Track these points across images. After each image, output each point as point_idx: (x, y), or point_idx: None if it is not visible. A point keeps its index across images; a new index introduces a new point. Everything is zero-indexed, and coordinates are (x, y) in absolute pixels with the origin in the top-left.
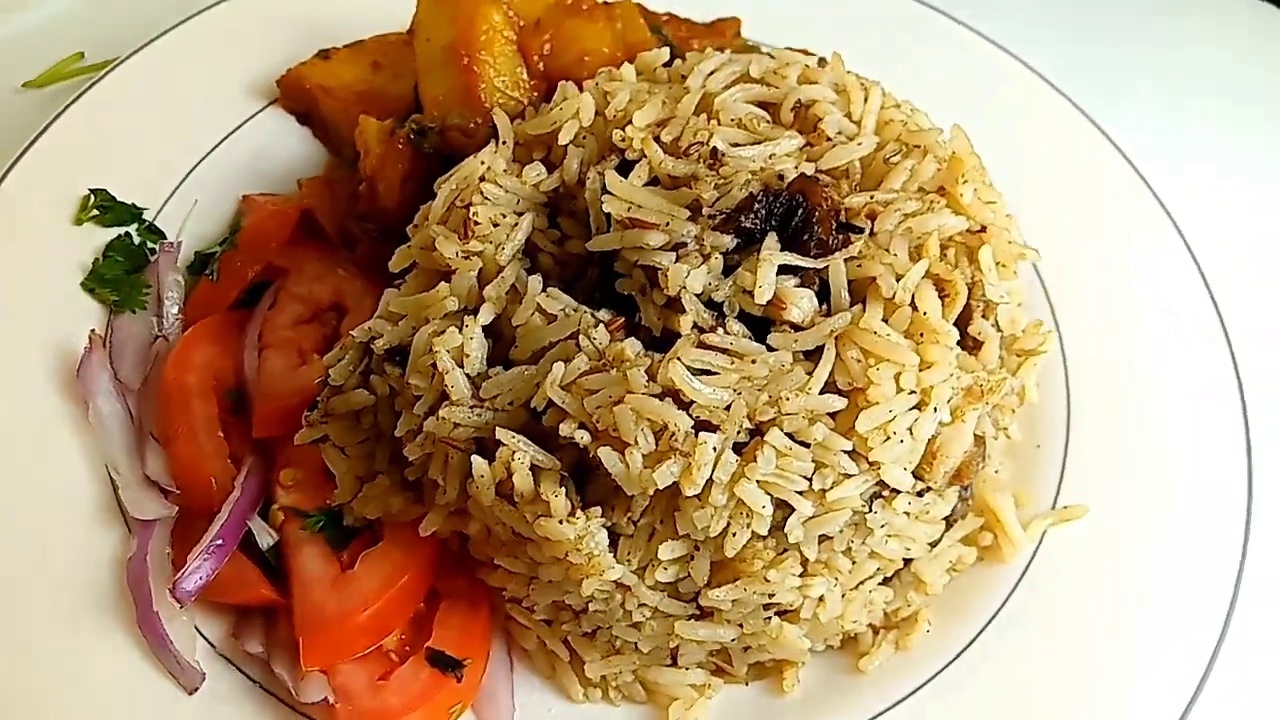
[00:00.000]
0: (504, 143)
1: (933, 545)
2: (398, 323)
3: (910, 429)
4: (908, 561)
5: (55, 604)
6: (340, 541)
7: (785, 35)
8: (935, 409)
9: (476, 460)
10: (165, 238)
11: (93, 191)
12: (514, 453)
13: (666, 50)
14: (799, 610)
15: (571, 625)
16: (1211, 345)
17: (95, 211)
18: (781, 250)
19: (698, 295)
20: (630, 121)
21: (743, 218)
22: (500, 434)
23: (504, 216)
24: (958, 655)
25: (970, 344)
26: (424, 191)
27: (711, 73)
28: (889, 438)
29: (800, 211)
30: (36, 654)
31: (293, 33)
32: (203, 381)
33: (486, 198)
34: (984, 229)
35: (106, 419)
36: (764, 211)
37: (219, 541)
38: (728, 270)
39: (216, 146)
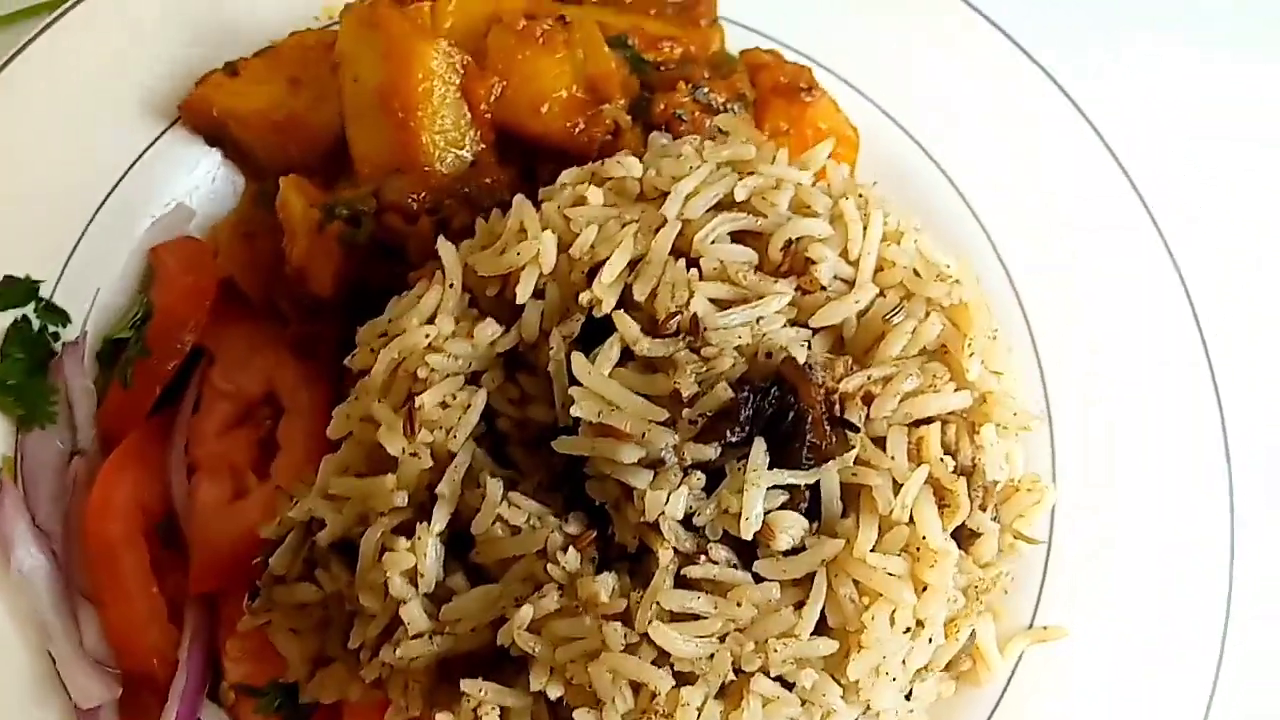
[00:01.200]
0: (451, 285)
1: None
2: (341, 508)
3: (904, 662)
4: None
5: None
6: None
7: None
8: (930, 639)
9: (440, 717)
10: (67, 318)
11: None
12: (479, 704)
13: (636, 165)
14: None
15: None
16: (1210, 463)
17: None
18: (771, 467)
19: (678, 520)
20: (599, 269)
21: (728, 430)
22: (465, 685)
23: (453, 396)
24: None
25: (966, 538)
26: (360, 281)
27: (690, 195)
28: (880, 676)
29: (791, 414)
30: None
31: (188, 29)
32: (129, 529)
33: (434, 371)
34: (985, 399)
35: (30, 574)
36: (750, 414)
37: None
38: (711, 479)
39: (118, 184)
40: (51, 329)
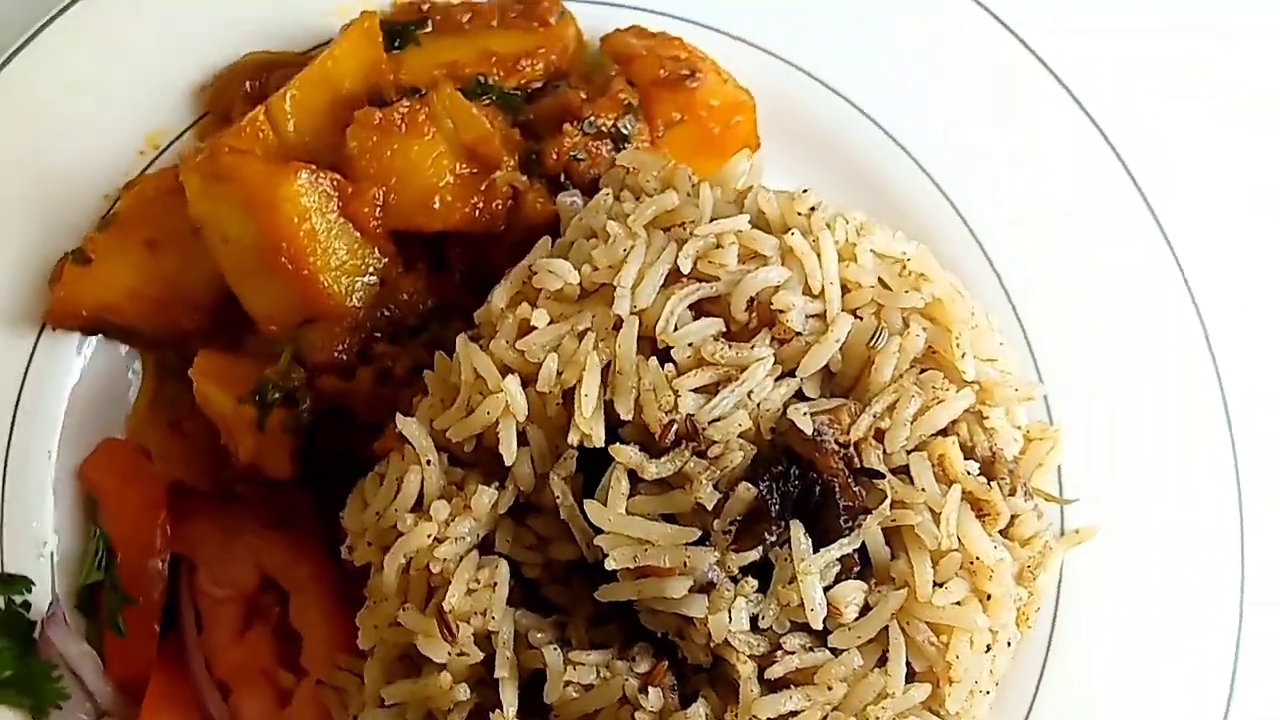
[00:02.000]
0: (428, 462)
1: None
2: (404, 713)
3: (991, 671)
4: None
5: None
6: None
7: None
8: (1008, 642)
9: None
10: (29, 582)
11: None
12: None
13: (569, 269)
14: None
15: None
16: (1215, 449)
17: None
18: (815, 550)
19: (743, 631)
20: (574, 398)
21: (765, 531)
22: None
23: (477, 581)
24: None
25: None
26: (311, 450)
27: (637, 284)
28: (976, 696)
29: (817, 490)
30: None
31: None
32: None
33: (448, 562)
34: (985, 388)
35: None
36: (777, 504)
37: None
38: (762, 582)
39: (16, 411)
40: (19, 599)
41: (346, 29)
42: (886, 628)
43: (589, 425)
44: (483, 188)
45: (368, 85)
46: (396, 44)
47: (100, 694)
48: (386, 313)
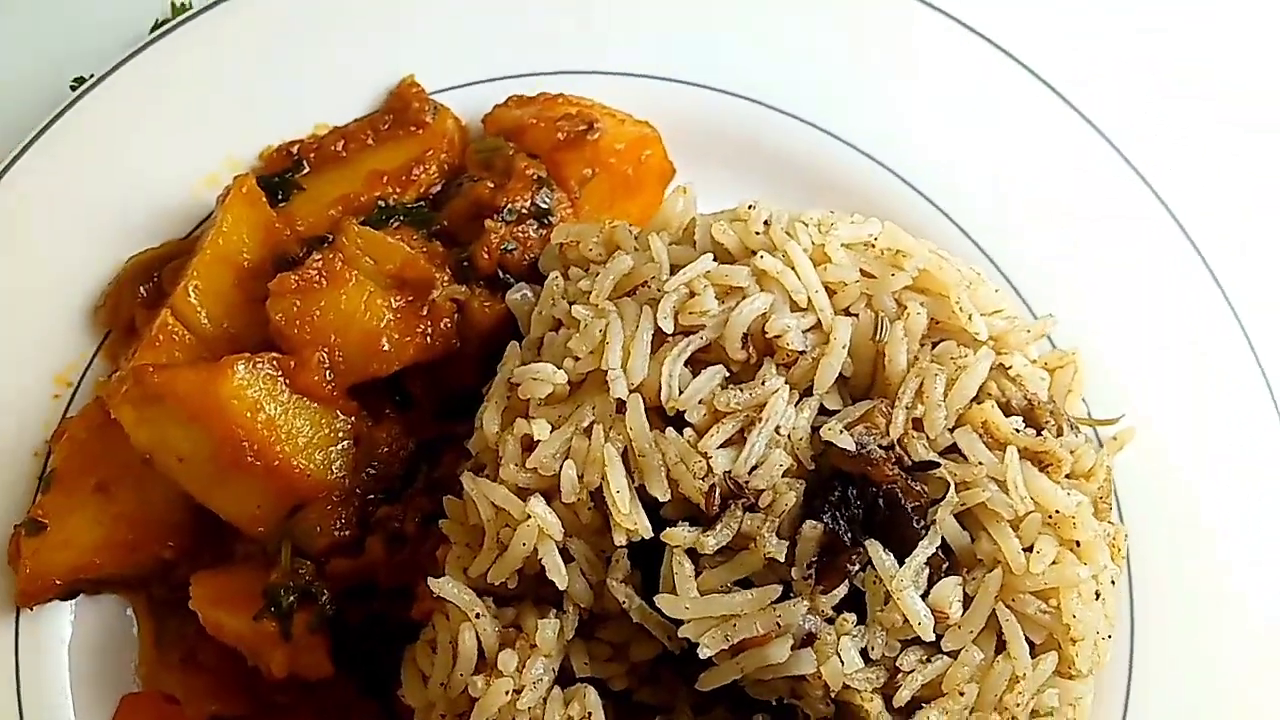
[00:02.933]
0: (477, 615)
1: None
2: None
3: (1106, 615)
4: None
5: None
6: None
7: None
8: (1111, 580)
9: None
10: None
11: None
12: None
13: (553, 370)
14: None
15: None
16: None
17: None
18: (900, 564)
19: (858, 671)
20: (604, 496)
21: (845, 562)
22: None
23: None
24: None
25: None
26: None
27: (626, 359)
28: (1100, 644)
29: (879, 499)
30: None
31: None
32: None
33: (529, 709)
34: (998, 340)
35: None
36: (845, 528)
37: None
38: (855, 599)
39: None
40: None
41: (223, 200)
42: (994, 613)
43: (631, 520)
44: (424, 312)
45: (268, 250)
46: (280, 197)
47: None
48: (372, 470)
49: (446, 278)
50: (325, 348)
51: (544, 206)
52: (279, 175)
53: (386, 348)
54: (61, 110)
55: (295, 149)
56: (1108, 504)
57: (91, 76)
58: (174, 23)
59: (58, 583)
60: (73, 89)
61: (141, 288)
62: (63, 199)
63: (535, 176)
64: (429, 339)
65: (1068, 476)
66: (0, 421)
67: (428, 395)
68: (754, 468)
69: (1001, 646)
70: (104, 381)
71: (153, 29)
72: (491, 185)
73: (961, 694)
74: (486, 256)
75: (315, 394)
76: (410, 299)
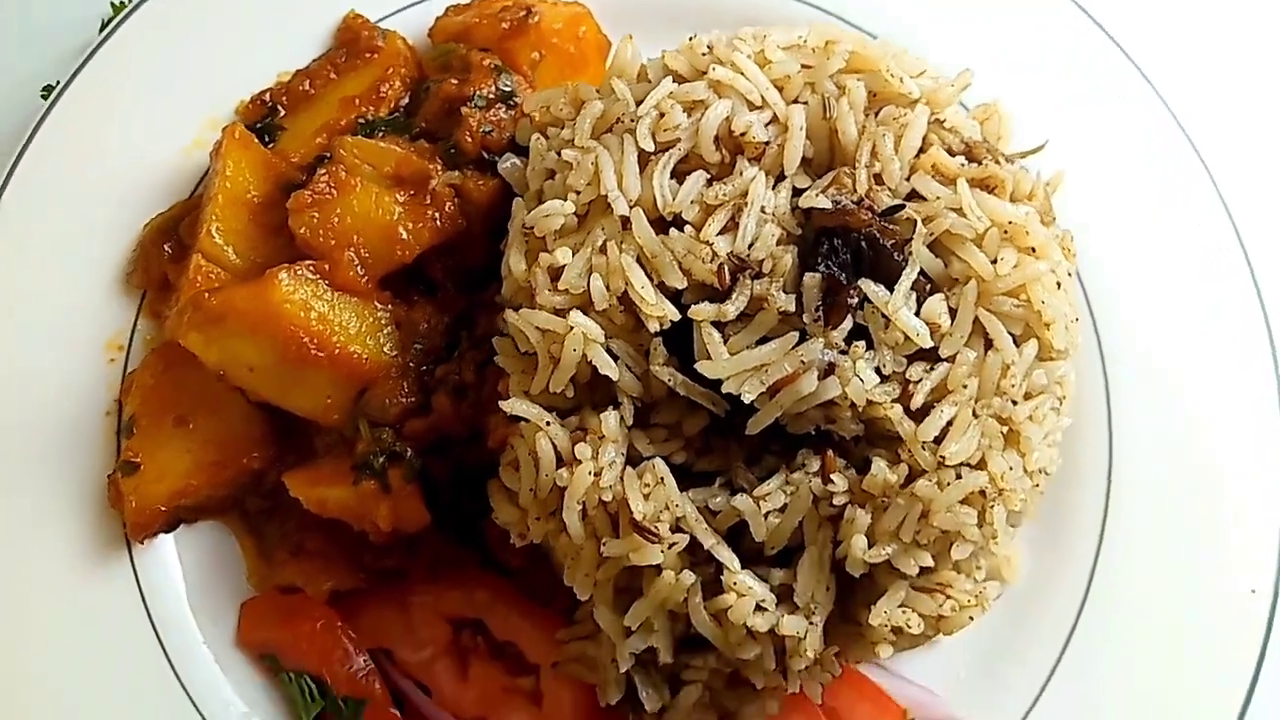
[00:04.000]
0: (547, 424)
1: None
2: (652, 627)
3: (1071, 304)
4: None
5: None
6: None
7: None
8: (1070, 273)
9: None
10: None
11: None
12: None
13: (560, 204)
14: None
15: None
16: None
17: None
18: (889, 292)
19: (877, 387)
20: (630, 296)
21: (845, 296)
22: (871, 617)
23: (647, 484)
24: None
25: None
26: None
27: (620, 182)
28: (1070, 326)
29: (862, 244)
30: None
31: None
32: None
33: (610, 486)
34: (928, 99)
35: None
36: (840, 273)
37: None
38: (868, 342)
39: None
40: None
41: (218, 151)
42: (977, 318)
43: (660, 309)
44: (428, 201)
45: (272, 183)
46: (267, 140)
47: None
48: (419, 346)
49: (439, 167)
50: (351, 247)
51: (507, 89)
52: (260, 122)
53: (404, 236)
54: (43, 115)
55: (267, 96)
56: (1051, 216)
57: (59, 83)
58: (121, 16)
59: (162, 510)
60: (44, 97)
61: (165, 246)
62: (68, 193)
63: (492, 65)
64: (438, 222)
65: (1012, 198)
66: (68, 395)
67: (449, 276)
68: (751, 244)
69: (989, 344)
70: (153, 336)
71: (101, 29)
72: (455, 81)
73: (965, 387)
74: (470, 140)
75: (353, 289)
76: (412, 193)
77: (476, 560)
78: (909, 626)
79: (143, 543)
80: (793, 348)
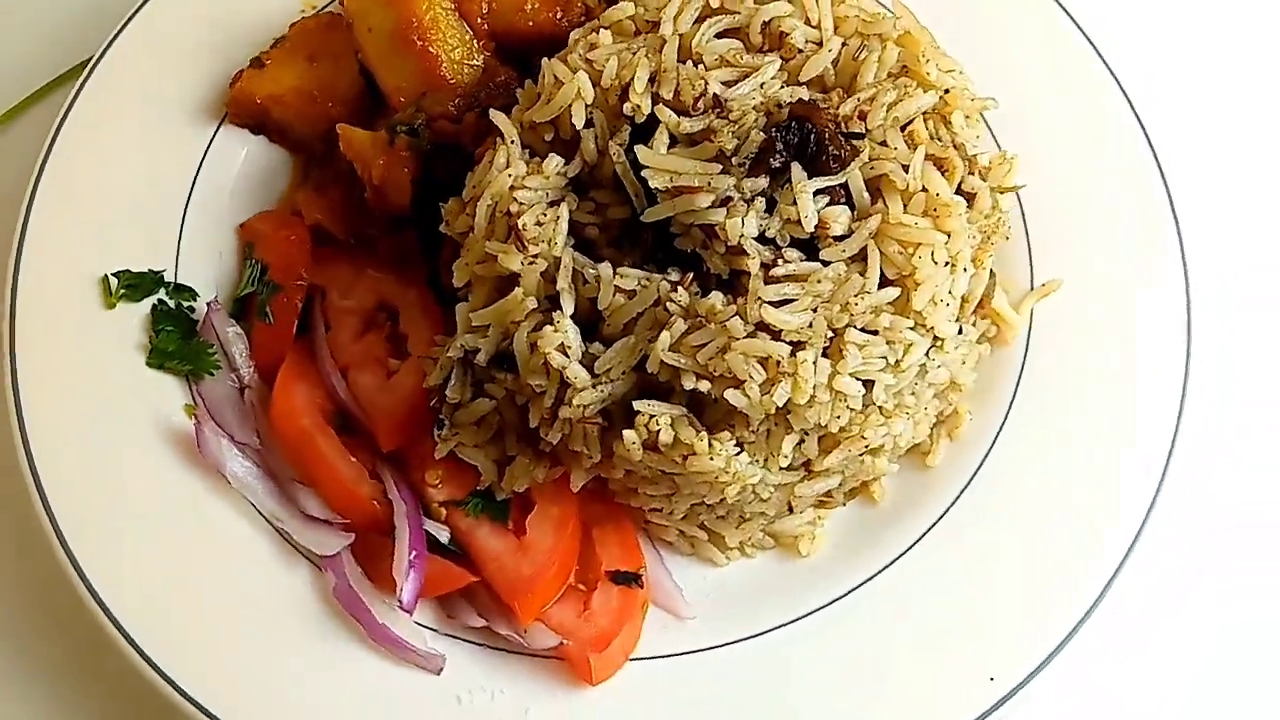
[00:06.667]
0: (512, 142)
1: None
2: (486, 333)
3: (950, 291)
4: None
5: (282, 649)
6: (501, 514)
7: None
8: (965, 269)
9: (626, 434)
10: (195, 292)
11: (111, 275)
12: (651, 417)
13: (627, 5)
14: (884, 445)
15: (706, 513)
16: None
17: (123, 291)
18: (809, 178)
19: (754, 237)
20: (629, 87)
21: (769, 159)
22: (638, 405)
23: (544, 215)
24: (1001, 426)
25: (968, 199)
26: (427, 184)
27: (677, 15)
28: (938, 305)
29: (812, 137)
30: (290, 699)
31: (205, 41)
32: (314, 421)
33: (523, 204)
34: (948, 92)
35: (246, 480)
36: (782, 146)
37: (414, 554)
38: (769, 206)
39: (195, 180)
40: (185, 304)
41: None
42: (865, 248)
43: (640, 99)
44: (561, 4)
45: None
46: None
47: (244, 369)
48: (486, 90)
49: None
50: None
51: None
52: None
53: (529, 9)
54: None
55: None
56: (988, 246)
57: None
58: None
59: (257, 101)
60: None
61: None
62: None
63: None
64: (558, 21)
65: (958, 192)
66: (262, 15)
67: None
68: (736, 97)
69: (863, 274)
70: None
71: None
72: None
73: (819, 283)
74: None
75: (470, 21)
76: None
77: (424, 271)
78: (661, 441)
79: (230, 122)
80: (710, 174)
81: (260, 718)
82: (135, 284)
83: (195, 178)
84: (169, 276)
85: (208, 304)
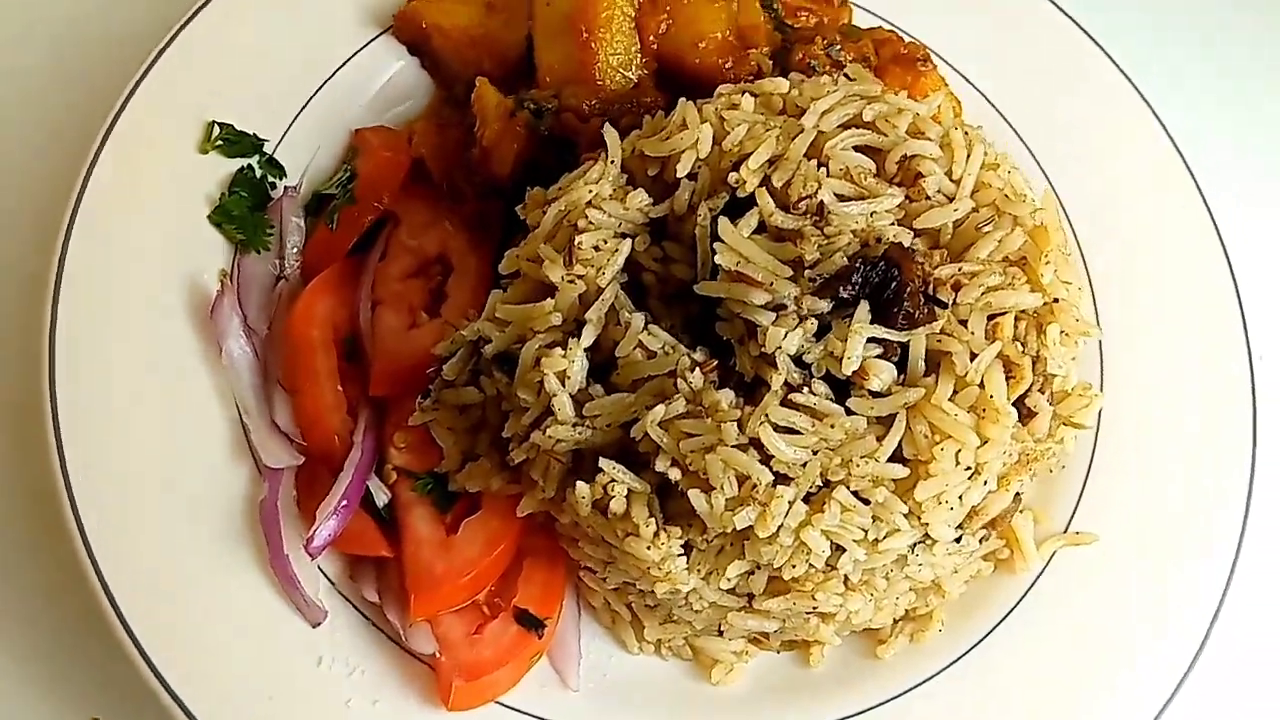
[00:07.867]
0: (612, 161)
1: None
2: (504, 329)
3: (960, 497)
4: None
5: (192, 537)
6: (445, 503)
7: None
8: (985, 481)
9: (580, 485)
10: (285, 173)
11: (217, 124)
12: (611, 480)
13: (784, 82)
14: (835, 614)
15: (636, 597)
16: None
17: (220, 142)
18: (871, 323)
19: (790, 355)
20: (745, 159)
21: (840, 288)
22: (603, 463)
23: (605, 242)
24: (966, 652)
25: (1024, 413)
26: (534, 166)
27: (825, 112)
28: (941, 504)
29: (893, 284)
30: (173, 584)
31: None
32: (324, 335)
33: (591, 223)
34: (1055, 302)
35: (237, 362)
36: (860, 280)
37: (344, 502)
38: (821, 330)
39: (332, 75)
40: (270, 180)
41: None
42: (895, 416)
43: (749, 174)
44: (737, 56)
45: None
46: None
47: (290, 262)
48: (629, 105)
49: (766, 51)
50: (670, 19)
51: (857, 66)
52: None
53: (701, 48)
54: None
55: None
56: (1029, 462)
57: None
58: None
59: (424, 26)
60: None
61: None
62: None
63: (866, 56)
64: (725, 69)
65: (1019, 406)
66: None
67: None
68: (840, 214)
69: (881, 439)
70: None
71: None
72: (838, 38)
73: (831, 428)
74: (799, 58)
75: (643, 34)
76: (736, 44)
77: (493, 249)
78: (611, 509)
79: (394, 34)
80: (777, 275)
81: (132, 594)
82: (234, 140)
83: (337, 70)
84: (268, 149)
85: (285, 187)
